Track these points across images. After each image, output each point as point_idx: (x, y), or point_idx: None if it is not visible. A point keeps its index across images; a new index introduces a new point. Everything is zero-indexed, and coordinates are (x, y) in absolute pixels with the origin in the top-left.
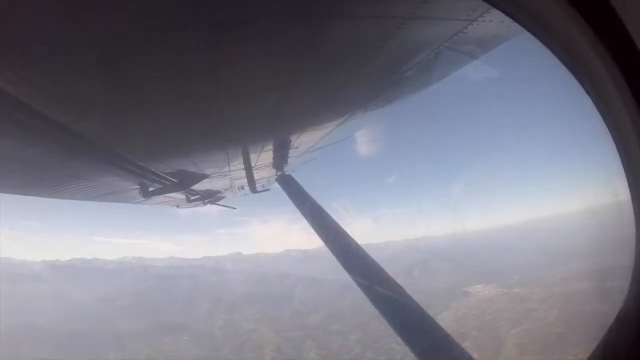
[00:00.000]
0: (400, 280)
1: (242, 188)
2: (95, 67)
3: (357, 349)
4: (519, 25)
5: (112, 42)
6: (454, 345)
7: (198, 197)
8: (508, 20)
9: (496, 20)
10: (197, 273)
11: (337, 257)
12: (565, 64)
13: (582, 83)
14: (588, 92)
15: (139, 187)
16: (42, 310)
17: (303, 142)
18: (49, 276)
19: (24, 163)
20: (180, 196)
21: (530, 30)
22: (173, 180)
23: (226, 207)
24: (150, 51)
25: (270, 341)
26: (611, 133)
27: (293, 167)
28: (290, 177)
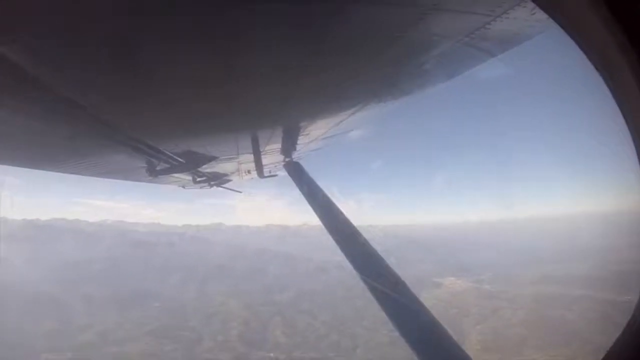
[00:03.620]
0: None
1: (249, 172)
2: (106, 43)
3: (323, 330)
4: (540, 24)
5: (124, 19)
6: (448, 339)
7: (204, 178)
8: (531, 19)
9: (520, 18)
10: (175, 241)
11: (341, 247)
12: (595, 65)
13: (609, 87)
14: (613, 96)
15: (146, 165)
16: (14, 270)
17: (313, 130)
18: (27, 235)
19: (29, 136)
20: (186, 177)
21: (565, 29)
22: (181, 160)
23: (231, 190)
24: (163, 30)
25: (239, 315)
26: (633, 139)
27: (301, 154)
28: (297, 164)
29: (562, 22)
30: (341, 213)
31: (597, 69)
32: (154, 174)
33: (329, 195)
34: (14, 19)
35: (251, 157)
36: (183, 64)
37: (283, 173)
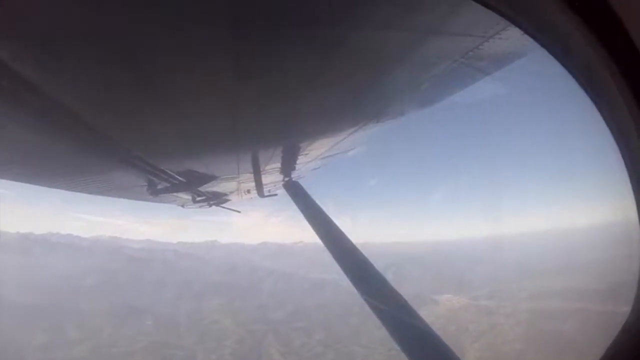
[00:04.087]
0: None
1: (249, 191)
2: (108, 59)
3: (318, 348)
4: (532, 43)
5: (127, 36)
6: (450, 355)
7: (204, 198)
8: (523, 38)
9: (512, 38)
10: (169, 257)
11: (340, 264)
12: (580, 84)
13: (596, 104)
14: (601, 113)
15: (146, 184)
16: (8, 283)
17: (312, 150)
18: (21, 248)
19: (27, 152)
20: (186, 196)
21: (549, 50)
22: (182, 179)
23: (230, 209)
24: (166, 49)
25: (233, 332)
26: (622, 155)
27: (300, 174)
28: (296, 183)
29: (545, 42)
30: (340, 231)
31: (581, 84)
32: (154, 193)
33: (327, 213)
34: (14, 30)
35: (251, 176)
36: (186, 82)
37: (281, 191)
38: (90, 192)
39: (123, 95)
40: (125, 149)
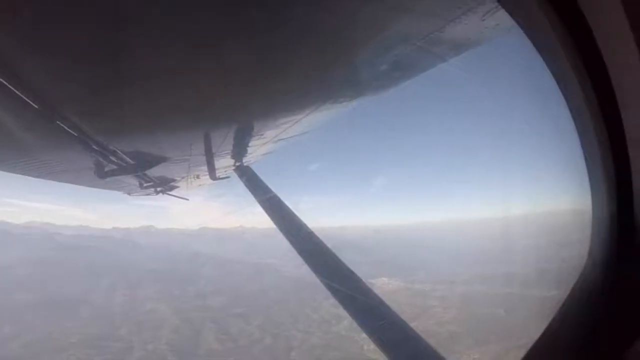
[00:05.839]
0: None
1: (198, 177)
2: (52, 19)
3: (257, 334)
4: (489, 31)
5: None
6: (413, 334)
7: (152, 183)
8: (481, 25)
9: (471, 24)
10: (104, 244)
11: (296, 248)
12: (549, 67)
13: (560, 87)
14: (564, 97)
15: (94, 167)
16: None
17: (266, 131)
18: None
19: None
20: (133, 182)
21: (524, 30)
22: (131, 161)
23: (178, 197)
24: (120, 17)
25: (170, 321)
26: (579, 137)
27: (253, 157)
28: (247, 168)
29: (520, 23)
30: (295, 215)
31: (552, 73)
32: (102, 176)
33: (280, 198)
34: None
35: (203, 159)
36: (140, 55)
37: (224, 175)
38: (29, 175)
39: (70, 65)
40: (73, 125)
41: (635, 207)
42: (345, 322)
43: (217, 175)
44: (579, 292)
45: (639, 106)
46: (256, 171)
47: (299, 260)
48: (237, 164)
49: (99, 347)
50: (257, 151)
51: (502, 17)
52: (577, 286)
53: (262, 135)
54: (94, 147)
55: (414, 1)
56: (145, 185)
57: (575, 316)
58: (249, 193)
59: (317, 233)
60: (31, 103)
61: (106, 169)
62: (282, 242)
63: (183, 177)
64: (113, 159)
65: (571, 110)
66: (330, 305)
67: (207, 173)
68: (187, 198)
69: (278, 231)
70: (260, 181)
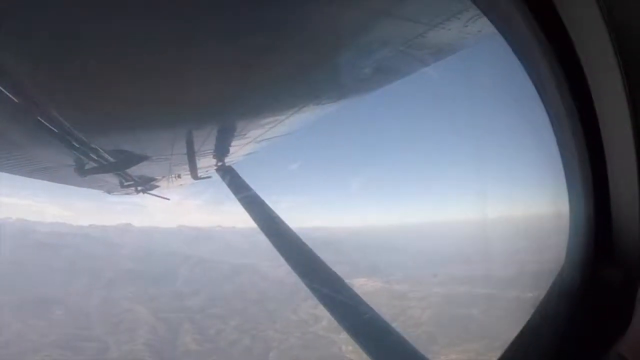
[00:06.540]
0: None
1: (179, 176)
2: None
3: (234, 335)
4: (471, 37)
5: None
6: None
7: (132, 182)
8: (464, 31)
9: (454, 29)
10: (80, 242)
11: (278, 248)
12: (528, 72)
13: (539, 92)
14: (543, 101)
15: (74, 164)
16: None
17: (249, 131)
18: None
19: None
20: (113, 180)
21: (502, 34)
22: (112, 159)
23: (159, 196)
24: (103, 15)
25: (146, 322)
26: (557, 141)
27: (235, 157)
28: (229, 167)
29: (501, 30)
30: (275, 215)
31: (531, 78)
32: (82, 174)
33: (261, 197)
34: None
35: (184, 158)
36: (119, 53)
37: (205, 175)
38: (6, 172)
39: (51, 60)
40: (53, 121)
41: (612, 209)
42: (325, 322)
43: (199, 174)
44: (557, 292)
45: (616, 110)
46: (238, 171)
47: (279, 260)
48: (219, 163)
49: (74, 347)
50: (239, 151)
51: (485, 24)
52: (555, 287)
53: (244, 135)
54: (74, 144)
55: (398, 6)
56: (125, 184)
57: (553, 317)
58: (230, 192)
59: (297, 233)
60: (12, 97)
61: (86, 167)
62: (262, 242)
63: (164, 176)
64: (93, 156)
65: (549, 114)
66: (309, 306)
67: (188, 172)
68: (169, 198)
69: (258, 231)
70: (242, 181)
